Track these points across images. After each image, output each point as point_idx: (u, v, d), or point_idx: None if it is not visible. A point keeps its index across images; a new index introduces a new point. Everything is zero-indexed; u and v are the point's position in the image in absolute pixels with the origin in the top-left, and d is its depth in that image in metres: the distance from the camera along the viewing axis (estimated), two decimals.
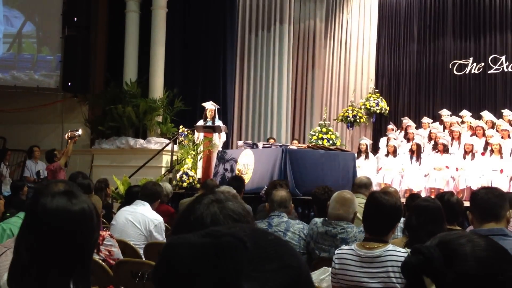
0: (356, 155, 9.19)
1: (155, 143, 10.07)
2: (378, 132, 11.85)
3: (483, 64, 11.63)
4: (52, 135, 10.88)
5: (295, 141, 10.84)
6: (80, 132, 7.87)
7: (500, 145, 8.82)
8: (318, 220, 3.82)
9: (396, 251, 2.68)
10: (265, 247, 0.73)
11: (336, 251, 2.89)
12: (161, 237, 4.31)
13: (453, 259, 0.97)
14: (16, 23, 11.17)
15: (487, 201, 2.59)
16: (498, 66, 11.49)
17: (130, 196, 5.28)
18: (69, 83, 10.81)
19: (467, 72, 11.78)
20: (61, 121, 11.05)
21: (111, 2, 11.29)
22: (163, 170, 9.53)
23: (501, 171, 8.68)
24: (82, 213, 1.54)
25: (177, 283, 0.70)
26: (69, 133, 7.73)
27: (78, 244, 1.51)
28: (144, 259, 3.91)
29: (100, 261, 3.20)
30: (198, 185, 8.13)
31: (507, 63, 11.39)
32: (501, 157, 8.77)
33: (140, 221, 4.27)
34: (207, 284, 0.68)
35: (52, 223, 1.50)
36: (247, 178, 7.86)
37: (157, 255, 3.31)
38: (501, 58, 11.47)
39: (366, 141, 10.26)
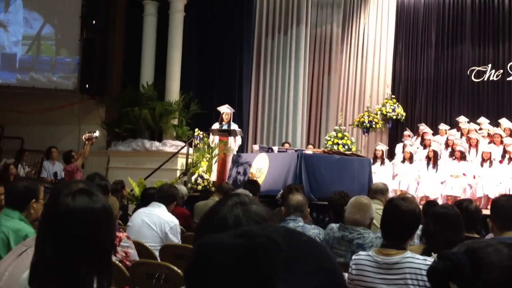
0: (371, 160, 9.13)
1: (171, 145, 10.11)
2: (394, 138, 11.77)
3: (501, 71, 11.51)
4: (69, 136, 10.99)
5: (310, 146, 10.81)
6: (97, 134, 7.94)
7: None
8: (334, 225, 3.80)
9: (414, 258, 2.65)
10: (299, 248, 0.72)
11: (353, 257, 2.86)
12: (176, 239, 4.32)
13: (480, 268, 0.97)
14: (35, 25, 11.32)
15: (509, 208, 2.55)
16: None
17: (145, 198, 5.30)
18: (87, 85, 10.92)
19: (485, 79, 11.66)
20: (78, 122, 11.15)
21: (129, 6, 11.39)
22: (178, 173, 9.56)
23: None
24: (103, 210, 1.57)
25: (210, 283, 0.69)
26: (87, 134, 7.81)
27: (101, 241, 1.53)
28: (159, 260, 3.92)
29: (117, 262, 3.21)
30: (213, 188, 8.13)
31: None
32: None
33: (156, 223, 4.28)
34: (241, 285, 0.67)
35: (75, 222, 1.52)
36: (260, 181, 7.84)
37: (173, 257, 3.33)
38: None
39: (382, 147, 10.19)
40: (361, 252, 2.90)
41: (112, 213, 1.62)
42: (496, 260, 0.98)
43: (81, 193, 1.58)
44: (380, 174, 9.39)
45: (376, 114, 11.71)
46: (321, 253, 0.73)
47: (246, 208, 1.34)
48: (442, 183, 9.00)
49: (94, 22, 10.95)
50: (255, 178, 7.77)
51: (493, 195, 8.04)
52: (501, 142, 9.35)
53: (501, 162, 8.94)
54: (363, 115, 11.69)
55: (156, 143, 10.25)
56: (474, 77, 11.79)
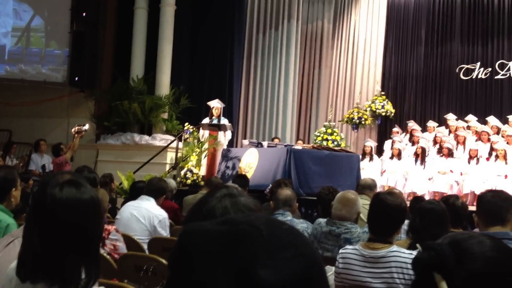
0: (360, 157, 9.19)
1: (160, 139, 10.09)
2: (383, 134, 11.85)
3: (490, 69, 11.62)
4: (57, 129, 10.92)
5: (299, 141, 10.85)
6: (87, 127, 7.90)
7: (505, 151, 8.80)
8: (322, 220, 3.83)
9: (400, 252, 2.68)
10: (280, 236, 0.74)
11: (340, 251, 2.89)
12: (165, 232, 4.33)
13: (463, 258, 0.99)
14: (25, 17, 11.21)
15: (494, 204, 2.59)
16: (505, 71, 11.48)
17: (134, 191, 5.30)
18: (76, 78, 10.85)
19: (474, 77, 11.77)
20: (67, 115, 11.08)
21: None
22: (168, 167, 9.55)
23: (506, 176, 8.65)
24: (91, 201, 1.57)
25: (193, 269, 0.71)
26: (76, 127, 7.76)
27: (88, 232, 1.53)
28: (147, 253, 3.93)
29: (105, 255, 3.21)
30: (202, 183, 8.14)
31: None
32: (506, 163, 8.75)
33: (145, 216, 4.29)
34: (223, 271, 0.69)
35: (62, 213, 1.52)
36: (249, 175, 7.86)
37: (161, 250, 3.33)
38: (508, 64, 11.47)
39: (371, 143, 10.26)
40: (348, 246, 2.94)
41: (100, 205, 1.62)
42: (478, 251, 1.01)
43: (69, 184, 1.58)
44: (369, 170, 9.45)
45: (366, 110, 11.77)
46: (301, 241, 0.75)
47: (235, 200, 1.35)
48: (429, 179, 9.09)
49: (84, 14, 10.87)
50: (244, 173, 7.79)
51: (479, 192, 8.11)
52: (488, 140, 9.46)
53: (488, 159, 9.04)
54: (353, 111, 11.75)
55: (146, 137, 10.23)
56: (463, 75, 11.89)
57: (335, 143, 10.26)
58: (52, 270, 1.48)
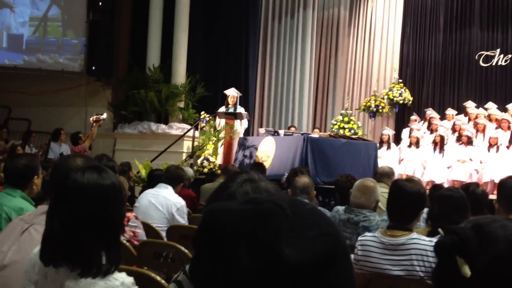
0: (378, 145, 9.12)
1: (177, 128, 10.13)
2: (401, 122, 11.74)
3: (510, 55, 11.42)
4: (75, 118, 11.02)
5: (316, 130, 10.80)
6: (105, 116, 7.96)
7: None
8: (340, 208, 3.81)
9: (420, 239, 2.66)
10: (303, 215, 0.74)
11: (359, 238, 2.88)
12: (183, 220, 4.36)
13: (486, 241, 0.99)
14: (42, 6, 11.29)
15: None
16: None
17: (152, 179, 5.34)
18: (93, 67, 10.93)
19: (493, 63, 11.58)
20: (85, 104, 11.17)
21: None
22: (184, 156, 9.59)
23: None
24: (112, 187, 1.58)
25: (218, 247, 0.71)
26: (94, 116, 7.83)
27: (108, 217, 1.55)
28: (166, 240, 3.96)
29: (125, 241, 3.24)
30: (219, 171, 8.16)
31: None
32: None
33: (163, 203, 4.32)
34: (249, 248, 0.69)
35: (83, 197, 1.53)
36: (266, 165, 7.86)
37: (179, 237, 3.34)
38: None
39: (389, 132, 10.17)
40: (367, 233, 2.92)
41: (121, 191, 1.63)
42: (502, 234, 1.00)
43: (91, 169, 1.59)
44: (386, 158, 9.38)
45: (383, 98, 11.66)
46: (324, 220, 0.75)
47: (256, 185, 1.37)
48: (448, 168, 8.99)
49: (100, 3, 10.91)
50: (261, 161, 7.79)
51: (499, 180, 8.03)
52: (509, 128, 9.31)
53: (508, 147, 8.91)
54: (370, 99, 11.65)
55: (162, 126, 10.27)
56: (483, 62, 11.69)
57: (352, 131, 10.19)
58: (72, 253, 1.50)
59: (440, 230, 1.08)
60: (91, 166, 1.63)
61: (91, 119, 7.96)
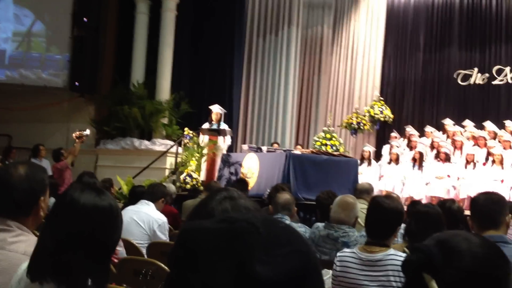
0: (359, 161, 9.24)
1: (160, 144, 10.14)
2: (382, 139, 11.90)
3: (487, 74, 11.69)
4: (57, 134, 10.94)
5: (298, 146, 10.89)
6: (88, 132, 7.93)
7: (501, 156, 8.86)
8: (320, 224, 3.88)
9: (397, 255, 2.72)
10: (276, 233, 0.77)
11: (338, 254, 2.93)
12: (164, 236, 4.36)
13: (450, 256, 1.02)
14: (26, 21, 11.27)
15: (486, 207, 2.62)
16: (502, 77, 11.56)
17: (133, 196, 5.32)
18: (77, 83, 10.90)
19: (471, 82, 11.84)
20: (67, 120, 11.11)
21: (121, 4, 11.38)
22: (167, 172, 9.59)
23: (502, 181, 8.71)
24: (109, 209, 1.57)
25: (192, 266, 0.74)
26: (77, 132, 7.80)
27: (103, 239, 1.54)
28: (146, 257, 3.96)
29: None
30: (202, 187, 8.18)
31: (511, 74, 11.44)
32: (502, 168, 8.80)
33: (144, 220, 4.32)
34: (222, 267, 0.72)
35: (79, 216, 1.53)
36: (252, 182, 7.91)
37: (159, 254, 3.35)
38: (505, 69, 11.53)
39: (369, 148, 10.31)
40: (345, 249, 2.97)
41: (118, 214, 1.61)
42: (465, 247, 1.03)
43: (90, 189, 1.59)
44: (367, 175, 9.50)
45: (364, 115, 11.83)
46: (297, 238, 0.79)
47: (235, 202, 1.38)
48: (426, 184, 9.13)
49: (85, 19, 10.93)
50: (246, 178, 7.83)
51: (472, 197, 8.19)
52: (485, 145, 9.51)
53: (484, 164, 9.09)
54: (352, 116, 11.81)
55: (146, 142, 10.27)
56: (461, 80, 11.96)
57: (334, 148, 10.30)
58: (61, 271, 1.49)
59: (405, 249, 1.12)
60: (91, 186, 1.63)
61: (74, 135, 7.92)
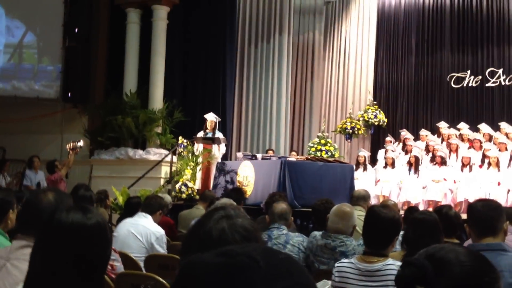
0: (354, 167, 9.24)
1: (154, 154, 10.11)
2: (376, 144, 11.92)
3: (480, 77, 11.75)
4: (51, 145, 10.91)
5: (293, 153, 10.89)
6: (81, 143, 7.91)
7: (497, 158, 8.88)
8: (317, 233, 3.86)
9: (395, 265, 2.72)
10: (277, 265, 0.77)
11: (336, 264, 2.92)
12: (162, 249, 4.34)
13: (441, 267, 1.06)
14: (17, 33, 11.25)
15: (484, 214, 2.61)
16: (496, 79, 11.61)
17: (129, 207, 5.31)
18: (69, 94, 10.87)
19: (464, 85, 11.89)
20: (61, 131, 11.08)
21: (112, 14, 11.38)
22: (162, 181, 9.56)
23: (499, 183, 8.73)
24: (97, 227, 1.56)
25: None
26: (71, 144, 7.77)
27: (93, 257, 1.54)
28: (144, 271, 3.94)
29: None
30: (197, 196, 8.15)
31: (504, 76, 11.50)
32: (499, 170, 8.83)
33: (142, 233, 4.30)
34: None
35: (67, 237, 1.53)
36: (249, 190, 7.90)
37: (157, 267, 3.34)
38: (498, 71, 11.59)
39: (365, 153, 10.32)
40: (343, 260, 2.96)
41: (107, 230, 1.61)
42: (453, 257, 1.08)
43: (76, 209, 1.59)
44: (363, 180, 9.50)
45: (358, 120, 11.85)
46: (297, 269, 0.79)
47: (232, 222, 1.36)
48: (423, 188, 9.14)
49: (76, 30, 10.92)
50: (242, 187, 7.82)
51: (473, 199, 8.18)
52: (481, 147, 9.54)
53: (480, 166, 9.11)
54: (346, 121, 11.83)
55: (140, 152, 10.24)
56: (454, 83, 12.01)
57: (329, 153, 10.30)
58: None
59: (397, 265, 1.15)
60: (76, 205, 1.62)
61: (67, 147, 7.89)
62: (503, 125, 10.21)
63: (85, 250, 1.52)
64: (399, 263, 2.75)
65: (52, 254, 1.51)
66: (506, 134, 9.87)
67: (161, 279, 3.11)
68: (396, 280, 1.11)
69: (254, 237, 1.31)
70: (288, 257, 0.81)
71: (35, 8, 11.09)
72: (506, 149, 9.31)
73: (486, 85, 11.68)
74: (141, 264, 4.06)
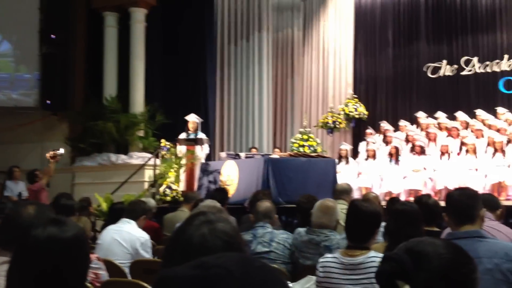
0: (337, 160, 9.32)
1: (137, 158, 10.06)
2: (358, 137, 12.01)
3: (456, 66, 11.91)
4: (32, 154, 10.77)
5: (276, 149, 10.94)
6: (62, 151, 7.82)
7: (474, 145, 9.03)
8: (301, 230, 3.91)
9: (377, 257, 2.77)
10: (252, 275, 0.79)
11: (320, 260, 2.97)
12: (147, 254, 4.33)
13: (420, 260, 1.09)
14: None
15: (461, 203, 2.66)
16: (471, 67, 11.78)
17: (113, 214, 5.28)
18: (48, 101, 10.74)
19: (441, 74, 12.06)
20: (41, 140, 10.94)
21: (88, 18, 11.26)
22: (146, 185, 9.53)
23: (476, 170, 8.89)
24: (74, 239, 1.56)
25: None
26: (51, 152, 7.69)
27: (72, 270, 1.53)
28: (129, 277, 3.93)
29: (87, 284, 3.21)
30: (182, 198, 8.14)
31: (479, 64, 11.69)
32: (476, 157, 8.98)
33: (127, 239, 4.29)
34: None
35: (43, 252, 1.52)
36: (232, 189, 7.92)
37: (142, 272, 3.34)
38: (472, 60, 11.77)
39: (346, 147, 10.41)
40: (327, 255, 3.01)
41: (84, 242, 1.61)
42: (432, 250, 1.10)
43: (51, 223, 1.57)
44: (345, 173, 9.59)
45: (340, 114, 11.94)
46: (273, 277, 0.80)
47: (213, 227, 1.36)
48: (404, 178, 9.26)
49: (53, 36, 10.78)
50: (226, 186, 7.84)
51: (452, 186, 8.33)
52: (458, 135, 9.69)
53: (459, 154, 9.26)
54: (327, 116, 11.91)
55: (122, 156, 10.18)
56: (431, 73, 12.17)
57: (312, 148, 10.37)
58: None
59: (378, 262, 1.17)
60: (52, 219, 1.61)
61: (47, 155, 7.80)
62: (479, 112, 10.38)
63: (63, 263, 1.51)
64: (381, 255, 2.81)
65: (29, 269, 1.50)
66: (482, 121, 10.04)
67: (145, 285, 3.11)
68: (376, 275, 1.12)
69: (235, 242, 1.31)
70: (264, 265, 0.82)
71: (10, 16, 10.92)
72: (483, 135, 9.47)
73: (462, 73, 11.85)
74: (126, 270, 4.05)
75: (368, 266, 2.75)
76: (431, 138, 9.87)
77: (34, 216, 2.01)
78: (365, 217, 2.89)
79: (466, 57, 11.84)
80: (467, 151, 9.02)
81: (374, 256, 2.78)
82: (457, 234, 2.57)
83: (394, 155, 9.47)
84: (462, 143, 9.28)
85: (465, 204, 2.66)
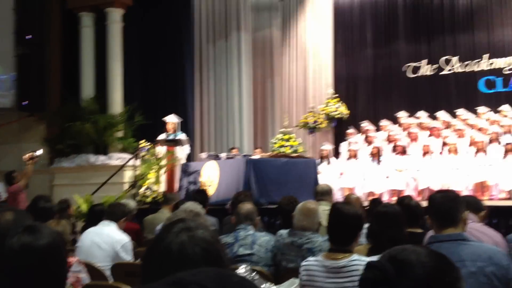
0: (318, 161, 9.32)
1: (117, 158, 9.94)
2: (339, 136, 12.06)
3: (436, 65, 12.03)
4: (9, 156, 10.57)
5: (257, 150, 10.91)
6: (40, 152, 7.69)
7: (456, 145, 9.11)
8: (283, 232, 3.88)
9: (360, 260, 2.75)
10: None
11: (303, 263, 2.94)
12: (129, 256, 4.28)
13: (403, 269, 1.08)
14: None
15: (443, 206, 2.66)
16: (450, 66, 11.91)
17: (93, 216, 5.21)
18: (25, 102, 10.54)
19: (420, 74, 12.16)
20: (18, 141, 10.74)
21: (64, 18, 11.08)
22: (126, 186, 9.41)
23: (458, 169, 8.96)
24: (49, 246, 1.54)
25: None
26: (28, 154, 7.55)
27: (49, 276, 1.52)
28: (111, 279, 3.88)
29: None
30: (162, 199, 8.06)
31: (460, 63, 11.81)
32: (457, 156, 9.06)
33: (107, 242, 4.23)
34: None
35: (18, 261, 1.50)
36: (212, 189, 7.86)
37: (124, 275, 3.28)
38: (452, 59, 11.90)
39: (328, 147, 10.41)
40: (310, 258, 2.98)
41: (60, 248, 1.59)
42: (415, 258, 1.10)
43: (25, 231, 1.55)
44: (327, 173, 9.59)
45: (320, 114, 11.96)
46: None
47: (192, 234, 1.34)
48: (387, 178, 9.30)
49: (28, 37, 10.59)
50: (206, 187, 7.78)
51: (435, 186, 8.40)
52: (439, 135, 9.77)
53: (441, 153, 9.34)
54: (308, 116, 11.92)
55: (101, 157, 10.04)
56: (410, 73, 12.26)
57: (293, 148, 10.35)
58: None
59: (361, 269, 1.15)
60: (27, 227, 1.58)
61: (25, 157, 7.66)
62: (460, 111, 10.49)
63: (38, 271, 1.50)
64: (364, 258, 2.79)
65: (4, 279, 1.49)
66: (464, 121, 10.14)
67: (127, 287, 3.06)
68: (360, 283, 1.12)
69: (214, 249, 1.30)
70: (242, 280, 0.80)
71: None
72: (464, 135, 9.56)
73: (442, 73, 11.97)
74: (107, 273, 3.99)
75: (351, 269, 2.73)
76: (412, 138, 9.93)
77: (12, 223, 1.98)
78: (347, 220, 2.87)
79: (445, 57, 11.96)
80: (449, 150, 9.09)
81: (357, 260, 2.76)
82: (440, 237, 2.56)
83: (376, 155, 9.51)
84: (444, 143, 9.36)
85: (447, 207, 2.65)
